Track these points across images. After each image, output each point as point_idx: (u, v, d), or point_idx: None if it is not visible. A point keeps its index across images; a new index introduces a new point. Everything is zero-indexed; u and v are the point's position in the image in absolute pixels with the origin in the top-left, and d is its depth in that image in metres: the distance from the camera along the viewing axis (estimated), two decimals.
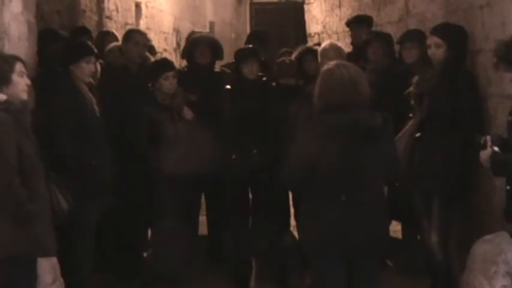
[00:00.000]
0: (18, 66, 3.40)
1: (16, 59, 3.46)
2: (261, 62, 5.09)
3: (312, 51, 5.32)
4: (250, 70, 5.00)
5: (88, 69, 4.29)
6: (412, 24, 5.73)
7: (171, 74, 4.85)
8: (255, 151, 4.92)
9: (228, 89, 5.10)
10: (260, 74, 5.11)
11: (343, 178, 3.32)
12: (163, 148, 4.74)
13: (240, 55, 5.09)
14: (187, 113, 4.93)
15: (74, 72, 4.27)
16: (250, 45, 5.31)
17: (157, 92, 4.85)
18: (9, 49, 4.28)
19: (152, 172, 4.75)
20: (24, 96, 3.39)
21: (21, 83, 3.38)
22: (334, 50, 4.83)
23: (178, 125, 4.83)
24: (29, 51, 4.58)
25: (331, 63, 3.47)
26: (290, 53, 6.33)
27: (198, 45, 5.39)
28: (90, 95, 4.31)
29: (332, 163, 3.30)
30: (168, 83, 4.83)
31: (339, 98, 3.33)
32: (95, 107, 4.30)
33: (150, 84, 4.90)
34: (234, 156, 4.92)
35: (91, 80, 4.38)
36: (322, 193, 3.35)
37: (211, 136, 4.95)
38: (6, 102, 3.30)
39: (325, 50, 4.87)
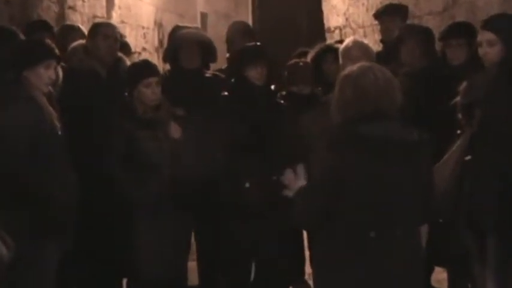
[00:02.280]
0: None
1: None
2: (271, 64, 5.11)
3: (332, 51, 5.34)
4: (259, 74, 5.01)
5: (47, 76, 4.29)
6: (460, 16, 5.76)
7: (153, 80, 4.83)
8: (274, 178, 4.97)
9: (226, 96, 5.11)
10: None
11: (373, 209, 3.34)
12: (144, 174, 4.75)
13: (245, 55, 5.11)
14: (174, 130, 4.93)
15: (28, 79, 4.28)
16: (257, 43, 5.31)
17: (136, 103, 4.84)
18: None
19: (129, 203, 4.75)
20: None
21: None
22: (359, 49, 4.85)
23: (163, 145, 4.83)
24: None
25: (355, 66, 3.50)
26: (305, 54, 6.36)
27: (184, 45, 5.40)
28: (50, 107, 4.32)
29: (361, 188, 3.32)
30: (149, 92, 4.82)
31: (366, 107, 3.36)
32: (56, 122, 4.31)
33: (126, 93, 4.90)
34: (247, 185, 4.93)
35: (50, 88, 4.39)
36: (346, 229, 3.36)
37: (205, 158, 4.97)
38: None
39: (347, 48, 4.89)
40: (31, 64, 4.27)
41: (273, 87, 5.28)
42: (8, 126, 4.17)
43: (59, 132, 4.30)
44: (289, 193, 3.58)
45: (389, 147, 3.31)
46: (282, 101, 5.24)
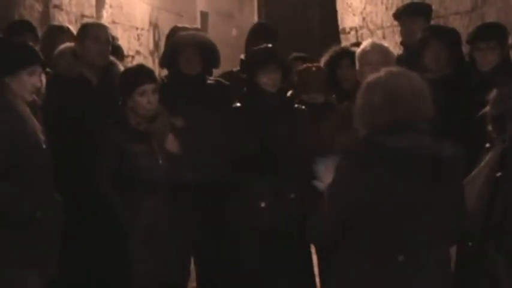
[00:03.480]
0: None
1: None
2: (285, 69, 5.12)
3: (349, 54, 5.35)
4: (271, 80, 5.03)
5: (31, 83, 4.29)
6: (490, 16, 5.77)
7: (150, 87, 4.82)
8: (292, 195, 4.98)
9: (237, 108, 5.13)
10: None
11: (401, 229, 3.35)
12: (138, 192, 4.77)
13: (257, 59, 5.13)
14: (172, 144, 4.95)
15: (10, 87, 4.29)
16: (269, 45, 5.34)
17: (130, 113, 4.84)
18: None
19: (121, 225, 4.76)
20: None
21: None
22: (378, 53, 4.87)
23: (159, 160, 4.85)
24: None
25: (382, 72, 3.51)
26: (303, 59, 6.38)
27: (184, 48, 5.42)
28: (33, 118, 4.33)
29: (387, 208, 3.33)
30: (145, 101, 4.81)
31: (396, 116, 3.37)
32: (40, 135, 4.32)
33: (119, 102, 4.90)
34: (263, 205, 4.96)
35: (35, 97, 4.40)
36: (372, 252, 3.37)
37: (208, 176, 4.98)
38: None
39: (365, 52, 4.91)
40: (13, 70, 4.26)
41: (289, 93, 5.31)
42: None
43: (44, 146, 4.31)
44: (320, 186, 3.59)
45: (419, 163, 3.32)
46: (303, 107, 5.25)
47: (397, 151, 3.31)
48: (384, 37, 8.07)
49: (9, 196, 4.15)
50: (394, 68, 3.57)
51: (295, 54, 6.65)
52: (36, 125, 4.31)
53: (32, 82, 4.28)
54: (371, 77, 3.52)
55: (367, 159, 3.33)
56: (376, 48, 4.91)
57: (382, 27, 8.33)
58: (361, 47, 5.03)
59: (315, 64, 5.68)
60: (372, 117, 3.41)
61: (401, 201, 3.33)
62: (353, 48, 5.56)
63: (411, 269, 3.36)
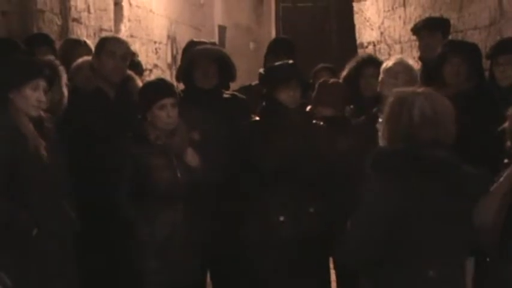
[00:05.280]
0: None
1: None
2: (305, 84, 5.10)
3: (375, 63, 5.30)
4: (292, 97, 5.01)
5: (35, 98, 4.25)
6: (508, 31, 5.73)
7: (169, 101, 4.79)
8: (311, 209, 4.95)
9: (255, 122, 5.10)
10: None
11: (431, 246, 3.36)
12: (156, 205, 4.74)
13: (277, 75, 5.11)
14: (192, 158, 4.91)
15: (14, 102, 4.25)
16: (290, 61, 5.32)
17: (149, 127, 4.82)
18: None
19: (137, 240, 4.74)
20: None
21: None
22: (403, 71, 4.84)
23: (178, 174, 4.82)
24: None
25: (410, 89, 3.53)
26: (331, 71, 6.36)
27: (200, 62, 5.41)
28: (36, 135, 4.26)
29: (424, 221, 3.34)
30: (164, 115, 4.78)
31: (435, 134, 3.40)
32: (43, 151, 4.25)
33: (140, 116, 4.88)
34: (282, 218, 4.94)
35: (41, 113, 4.36)
36: (403, 269, 3.37)
37: (226, 190, 4.95)
38: None
39: (390, 67, 4.87)
40: (16, 85, 4.22)
41: (308, 108, 5.29)
42: None
43: (46, 163, 4.24)
44: None
45: (452, 177, 3.35)
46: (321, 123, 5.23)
47: (432, 164, 3.33)
48: (401, 52, 8.05)
49: (6, 213, 4.11)
50: (427, 88, 3.59)
51: (321, 65, 6.63)
52: (39, 141, 4.25)
53: (36, 97, 4.24)
54: (400, 93, 3.53)
55: (404, 173, 3.34)
56: (402, 65, 4.91)
57: (399, 42, 8.32)
58: (385, 64, 5.01)
59: (332, 79, 5.64)
60: (410, 132, 3.41)
61: (432, 215, 3.35)
62: (379, 59, 5.55)
63: (441, 284, 3.37)
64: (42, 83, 4.29)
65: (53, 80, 4.47)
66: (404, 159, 3.37)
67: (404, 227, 3.34)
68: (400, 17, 8.33)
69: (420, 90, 3.53)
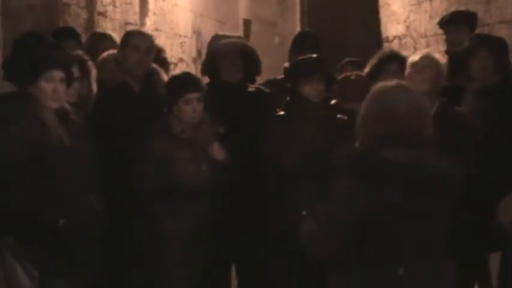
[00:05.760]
0: None
1: None
2: (329, 78, 5.08)
3: (398, 58, 5.27)
4: (315, 90, 5.00)
5: (51, 90, 4.24)
6: None
7: (195, 96, 4.80)
8: None
9: (280, 116, 5.09)
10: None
11: (401, 242, 3.35)
12: (181, 198, 4.74)
13: (301, 69, 5.10)
14: (217, 152, 4.91)
15: (34, 95, 4.23)
16: (314, 55, 5.30)
17: (175, 121, 4.83)
18: None
19: (163, 230, 4.75)
20: None
21: None
22: (430, 65, 4.79)
23: (203, 167, 4.83)
24: None
25: (392, 82, 3.52)
26: (357, 65, 6.32)
27: (225, 56, 5.41)
28: (58, 125, 4.24)
29: (385, 221, 3.33)
30: (190, 109, 4.79)
31: (399, 129, 3.38)
32: (66, 142, 4.25)
33: (166, 110, 4.88)
34: (304, 213, 4.93)
35: (66, 105, 4.34)
36: (372, 265, 3.36)
37: (249, 183, 4.95)
38: None
39: (415, 63, 4.84)
40: (30, 79, 4.22)
41: (333, 102, 5.26)
42: (5, 148, 4.14)
43: (69, 153, 4.24)
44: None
45: (417, 177, 3.32)
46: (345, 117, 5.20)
47: (393, 164, 3.31)
48: (427, 46, 8.01)
49: (29, 204, 4.12)
50: (402, 83, 3.58)
51: (347, 59, 6.59)
52: (63, 132, 4.25)
53: (52, 88, 4.21)
54: (378, 86, 3.54)
55: (363, 173, 3.34)
56: (428, 59, 4.85)
57: (425, 36, 8.28)
58: (412, 57, 4.97)
59: (355, 72, 5.61)
60: (367, 127, 3.45)
61: (397, 214, 3.32)
62: (402, 54, 5.50)
63: (411, 281, 3.34)
64: (57, 74, 4.24)
65: (80, 76, 4.47)
66: (365, 160, 3.36)
67: (369, 226, 3.32)
68: (426, 11, 8.29)
69: (398, 83, 3.51)
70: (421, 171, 3.32)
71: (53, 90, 4.21)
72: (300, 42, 6.31)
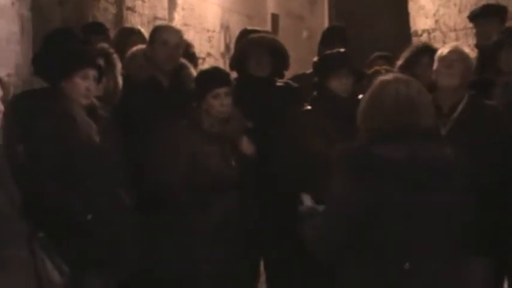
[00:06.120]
0: None
1: None
2: (357, 73, 5.06)
3: (430, 51, 5.23)
4: (344, 85, 4.97)
5: (85, 87, 4.28)
6: None
7: (223, 91, 4.80)
8: None
9: (307, 111, 5.07)
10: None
11: (403, 237, 3.33)
12: (209, 193, 4.75)
13: (329, 63, 5.08)
14: (247, 146, 4.90)
15: (64, 91, 4.28)
16: (341, 49, 5.29)
17: (204, 115, 4.83)
18: None
19: (191, 225, 4.75)
20: None
21: None
22: (459, 59, 4.75)
23: (232, 162, 4.82)
24: (20, 59, 4.65)
25: (389, 76, 3.53)
26: (386, 59, 6.29)
27: (253, 51, 5.41)
28: (89, 121, 4.29)
29: (385, 217, 3.32)
30: (218, 104, 4.79)
31: (389, 123, 3.37)
32: (95, 138, 4.28)
33: (195, 105, 4.88)
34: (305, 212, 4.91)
35: (94, 100, 4.37)
36: (377, 260, 3.35)
37: (278, 178, 4.95)
38: None
39: (443, 58, 4.80)
40: (66, 74, 4.25)
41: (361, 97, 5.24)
42: (33, 143, 4.16)
43: (99, 149, 4.27)
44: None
45: (413, 171, 3.31)
46: None
47: (388, 160, 3.30)
48: (456, 39, 7.95)
49: (59, 199, 4.14)
50: (400, 76, 3.59)
51: (377, 53, 6.56)
52: (92, 128, 4.28)
53: (86, 85, 4.27)
54: (376, 80, 3.54)
55: (359, 170, 3.34)
56: (457, 53, 4.80)
57: (455, 30, 8.22)
58: (440, 51, 4.92)
59: (384, 67, 5.58)
60: (363, 122, 3.48)
61: (396, 209, 3.31)
62: (434, 47, 5.47)
63: (417, 277, 3.33)
64: (92, 72, 4.31)
65: (106, 69, 4.48)
66: (358, 156, 3.36)
67: (369, 223, 3.31)
68: (455, 5, 8.23)
69: (395, 76, 3.53)
70: (416, 164, 3.30)
71: (87, 88, 4.27)
72: (328, 37, 6.30)
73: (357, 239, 3.34)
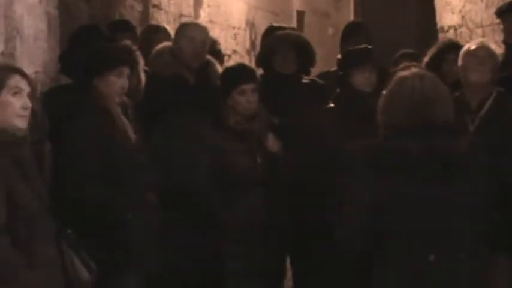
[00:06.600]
0: (13, 81, 3.36)
1: (9, 70, 3.44)
2: (381, 69, 5.03)
3: (457, 47, 5.20)
4: (367, 79, 4.95)
5: (119, 85, 4.30)
6: None
7: (249, 87, 4.79)
8: None
9: (330, 108, 5.04)
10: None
11: (425, 231, 3.34)
12: (236, 190, 4.74)
13: (351, 58, 5.06)
14: (272, 143, 4.89)
15: (99, 88, 4.29)
16: (364, 46, 5.26)
17: (230, 112, 4.81)
18: (21, 52, 4.38)
19: (217, 225, 4.74)
20: (19, 122, 3.37)
21: (14, 105, 3.35)
22: (488, 56, 4.71)
23: (257, 159, 4.81)
24: (47, 56, 4.66)
25: (407, 71, 3.54)
26: (412, 57, 6.25)
27: (279, 48, 5.40)
28: (124, 119, 4.31)
29: (405, 211, 3.33)
30: (244, 100, 4.78)
31: (405, 118, 3.40)
32: (131, 135, 4.30)
33: (221, 101, 4.87)
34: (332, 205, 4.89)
35: (124, 98, 4.39)
36: (401, 253, 3.36)
37: (303, 175, 4.92)
38: None
39: (470, 51, 4.75)
40: (101, 72, 4.27)
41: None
42: (74, 141, 4.18)
43: (134, 147, 4.29)
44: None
45: (430, 163, 3.32)
46: None
47: (404, 155, 3.33)
48: (483, 36, 7.89)
49: (105, 197, 4.16)
50: (418, 71, 3.59)
51: (402, 51, 6.53)
52: (127, 125, 4.29)
53: (121, 83, 4.30)
54: (396, 76, 3.56)
55: (380, 165, 3.36)
56: (483, 49, 4.77)
57: (481, 26, 8.15)
58: (466, 46, 4.89)
59: (413, 63, 5.53)
60: (382, 118, 3.50)
61: (416, 202, 3.33)
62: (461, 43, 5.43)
63: (442, 268, 3.33)
64: (126, 70, 4.33)
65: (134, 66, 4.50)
66: (378, 154, 3.39)
67: (389, 217, 3.33)
68: (482, 0, 8.16)
69: (413, 72, 3.52)
70: (433, 157, 3.32)
71: (121, 86, 4.28)
72: (348, 33, 6.29)
73: (380, 236, 3.36)
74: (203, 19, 9.12)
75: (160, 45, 5.53)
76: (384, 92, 3.53)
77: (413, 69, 3.58)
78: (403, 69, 5.40)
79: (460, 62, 4.81)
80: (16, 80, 3.38)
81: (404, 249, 3.35)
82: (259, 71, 5.58)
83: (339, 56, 6.05)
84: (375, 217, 3.34)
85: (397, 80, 3.49)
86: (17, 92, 3.36)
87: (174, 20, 8.04)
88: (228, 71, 5.05)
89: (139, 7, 7.23)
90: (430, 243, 3.33)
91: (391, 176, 3.32)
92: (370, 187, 3.34)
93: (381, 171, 3.34)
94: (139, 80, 4.79)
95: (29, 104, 3.40)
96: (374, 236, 3.37)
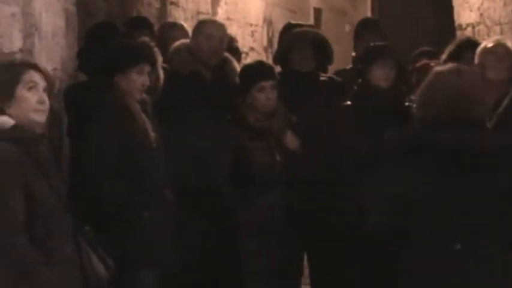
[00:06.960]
0: (27, 76, 3.35)
1: (24, 65, 3.42)
2: (399, 65, 5.01)
3: (475, 45, 5.18)
4: (385, 74, 4.93)
5: (140, 82, 4.30)
6: None
7: (268, 84, 4.80)
8: None
9: (347, 106, 5.01)
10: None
11: (454, 220, 3.36)
12: (254, 188, 4.73)
13: (368, 54, 5.04)
14: (291, 141, 4.88)
15: (120, 85, 4.29)
16: (383, 43, 5.25)
17: (249, 110, 4.81)
18: (39, 49, 4.39)
19: (236, 222, 4.73)
20: (36, 117, 3.36)
21: (29, 100, 3.34)
22: (507, 53, 4.69)
23: (277, 157, 4.78)
24: (65, 53, 4.67)
25: (444, 66, 3.56)
26: (430, 55, 6.22)
27: (297, 45, 5.39)
28: (144, 117, 4.31)
29: (436, 203, 3.36)
30: (263, 97, 4.78)
31: (439, 113, 3.41)
32: (151, 132, 4.30)
33: (241, 99, 4.86)
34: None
35: (144, 96, 4.39)
36: (429, 242, 3.38)
37: (320, 173, 4.92)
38: (13, 128, 3.28)
39: (492, 52, 4.73)
40: (122, 69, 4.28)
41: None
42: (95, 138, 4.18)
43: (154, 144, 4.29)
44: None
45: (460, 156, 3.34)
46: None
47: (434, 147, 3.35)
48: (501, 33, 7.85)
49: (125, 194, 4.16)
50: (456, 66, 3.58)
51: (421, 48, 6.50)
52: (147, 122, 4.30)
53: (142, 81, 4.30)
54: (433, 70, 3.59)
55: (409, 155, 3.39)
56: (501, 47, 4.75)
57: (499, 23, 8.11)
58: (483, 44, 4.88)
59: (433, 60, 5.51)
60: (418, 111, 3.51)
61: (446, 192, 3.36)
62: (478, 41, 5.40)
63: (469, 257, 3.35)
64: (147, 68, 4.32)
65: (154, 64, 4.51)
66: (409, 144, 3.42)
67: (422, 207, 3.36)
68: None
69: (451, 67, 3.53)
70: (463, 149, 3.33)
71: (142, 83, 4.29)
72: (360, 30, 6.27)
73: (409, 222, 3.39)
74: (220, 16, 9.11)
75: (177, 43, 5.52)
76: (421, 85, 3.54)
77: (452, 65, 3.59)
78: (426, 65, 5.43)
79: (477, 60, 4.78)
80: (31, 75, 3.36)
81: (431, 237, 3.38)
82: (277, 69, 5.58)
83: (354, 53, 6.03)
84: (405, 206, 3.37)
85: (434, 75, 3.52)
86: (32, 87, 3.35)
87: (192, 17, 8.04)
88: (247, 68, 5.06)
89: (156, 4, 7.23)
90: (458, 234, 3.35)
91: (420, 166, 3.35)
92: (401, 177, 3.39)
93: (412, 162, 3.37)
94: (157, 77, 4.79)
95: (45, 98, 3.38)
96: (403, 225, 3.40)
